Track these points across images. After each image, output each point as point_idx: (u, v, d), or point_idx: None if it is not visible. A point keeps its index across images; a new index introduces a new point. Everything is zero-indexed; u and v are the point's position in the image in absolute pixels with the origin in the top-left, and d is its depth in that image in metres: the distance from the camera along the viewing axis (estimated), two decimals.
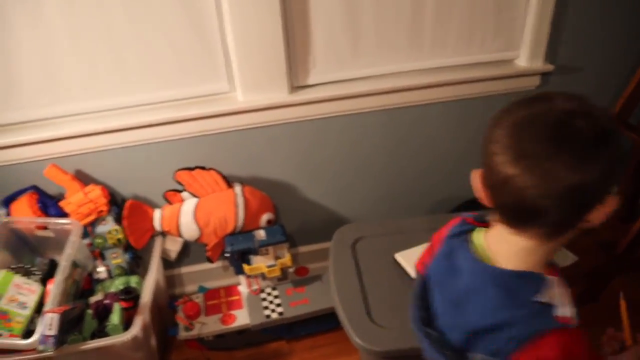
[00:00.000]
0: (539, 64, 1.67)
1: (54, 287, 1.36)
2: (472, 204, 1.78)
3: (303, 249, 1.86)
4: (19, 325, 1.35)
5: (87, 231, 1.57)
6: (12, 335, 1.31)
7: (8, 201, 1.54)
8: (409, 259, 1.39)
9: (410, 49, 1.61)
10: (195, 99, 1.56)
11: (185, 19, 1.43)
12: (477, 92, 1.68)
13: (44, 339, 1.24)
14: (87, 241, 1.59)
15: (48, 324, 1.24)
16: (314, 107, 1.60)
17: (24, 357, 1.28)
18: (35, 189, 1.56)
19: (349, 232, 1.52)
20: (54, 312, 1.26)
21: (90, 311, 1.41)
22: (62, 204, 1.53)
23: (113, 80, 1.48)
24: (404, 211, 1.90)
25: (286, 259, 1.62)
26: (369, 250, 1.46)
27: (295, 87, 1.59)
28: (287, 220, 1.77)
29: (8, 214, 1.53)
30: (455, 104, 1.71)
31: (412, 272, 1.35)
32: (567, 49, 1.69)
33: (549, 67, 1.68)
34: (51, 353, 1.26)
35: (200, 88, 1.55)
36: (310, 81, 1.61)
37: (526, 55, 1.66)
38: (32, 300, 1.41)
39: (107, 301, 1.48)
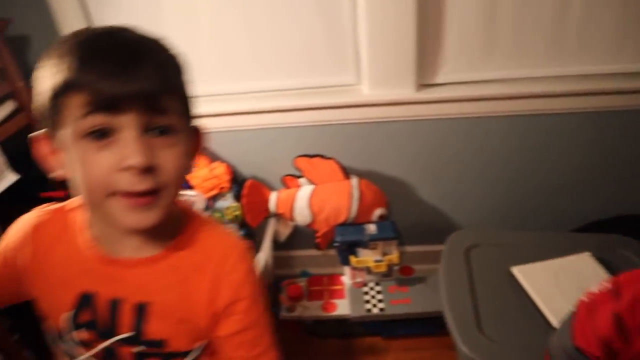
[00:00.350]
0: None
1: None
2: (599, 226, 1.66)
3: (410, 248, 1.83)
4: None
5: (208, 205, 1.68)
6: None
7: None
8: (527, 275, 1.31)
9: (550, 53, 1.51)
10: (321, 88, 1.60)
11: (319, 10, 1.47)
12: (623, 104, 1.53)
13: None
14: (206, 214, 1.70)
15: None
16: (440, 106, 1.56)
17: None
18: None
19: (464, 237, 1.47)
20: None
21: None
22: (188, 177, 1.65)
23: (248, 66, 1.57)
24: (520, 223, 1.79)
25: (394, 255, 1.61)
26: (483, 259, 1.40)
27: (421, 85, 1.57)
28: (398, 217, 1.74)
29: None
30: (594, 116, 1.57)
31: (529, 289, 1.28)
32: None
33: None
34: None
35: (327, 79, 1.59)
36: (439, 80, 1.58)
37: None
38: None
39: None
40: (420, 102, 1.55)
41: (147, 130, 0.56)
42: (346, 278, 1.74)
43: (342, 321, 1.66)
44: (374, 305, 1.64)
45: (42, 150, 0.61)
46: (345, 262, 1.67)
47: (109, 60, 0.53)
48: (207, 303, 0.66)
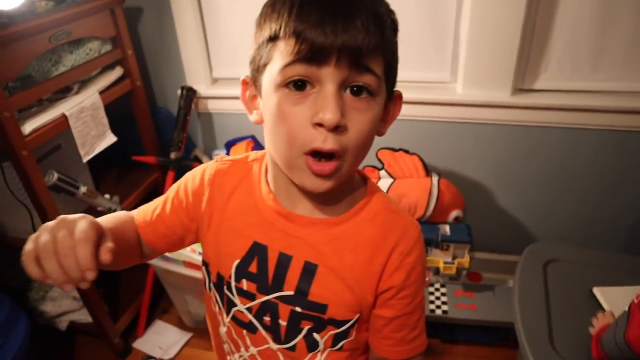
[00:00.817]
0: None
1: None
2: None
3: (481, 255, 1.79)
4: None
5: None
6: None
7: (230, 144, 1.78)
8: (609, 297, 1.25)
9: None
10: (414, 83, 1.60)
11: (424, 5, 1.46)
12: None
13: None
14: None
15: None
16: (535, 113, 1.51)
17: None
18: (253, 138, 1.77)
19: (543, 250, 1.42)
20: None
21: None
22: None
23: None
24: (606, 245, 1.70)
25: (465, 259, 1.59)
26: (562, 275, 1.35)
27: (518, 89, 1.53)
28: (474, 222, 1.71)
29: (227, 154, 1.77)
30: None
31: (609, 310, 1.22)
32: None
33: None
34: None
35: (422, 74, 1.59)
36: (537, 86, 1.52)
37: None
38: None
39: None
40: (515, 106, 1.51)
41: (345, 86, 0.54)
42: None
43: None
44: (438, 307, 1.62)
45: (245, 93, 0.64)
46: None
47: (320, 11, 0.51)
48: (379, 278, 0.64)
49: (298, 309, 0.65)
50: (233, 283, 0.67)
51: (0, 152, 1.20)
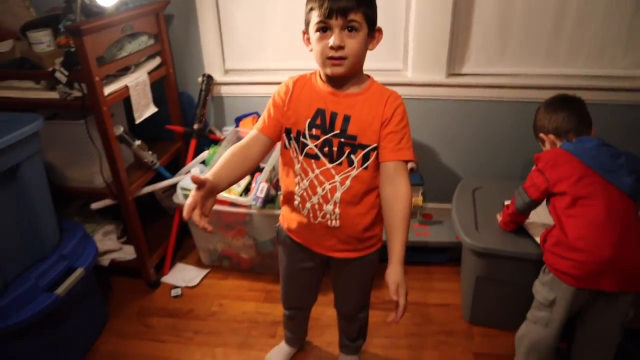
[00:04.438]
0: None
1: (263, 173, 2.03)
2: None
3: (432, 205, 2.36)
4: (236, 194, 2.04)
5: None
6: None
7: (239, 119, 2.29)
8: None
9: (548, 57, 2.07)
10: (377, 71, 2.12)
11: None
12: (600, 99, 2.05)
13: (256, 198, 1.91)
14: None
15: (260, 189, 1.91)
16: (463, 90, 2.12)
17: (239, 209, 1.96)
18: (257, 114, 2.28)
19: (472, 182, 2.02)
20: (265, 182, 1.93)
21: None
22: None
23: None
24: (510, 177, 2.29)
25: (419, 198, 2.13)
26: (484, 196, 1.94)
27: (451, 74, 2.13)
28: (425, 176, 2.28)
29: (237, 127, 2.28)
30: None
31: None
32: None
33: None
34: (255, 210, 1.92)
35: (382, 64, 2.17)
36: (464, 71, 2.14)
37: None
38: (243, 182, 2.10)
39: None
40: (449, 85, 2.11)
41: (343, 28, 1.09)
42: None
43: None
44: None
45: (304, 37, 1.18)
46: None
47: None
48: (381, 115, 1.17)
49: (342, 140, 1.18)
50: (307, 132, 1.20)
51: (88, 107, 1.67)
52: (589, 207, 1.36)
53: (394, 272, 1.15)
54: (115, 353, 1.82)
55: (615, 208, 1.35)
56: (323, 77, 1.21)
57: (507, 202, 1.72)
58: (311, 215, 1.26)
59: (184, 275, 2.20)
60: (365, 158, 1.19)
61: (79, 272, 1.64)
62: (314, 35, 1.12)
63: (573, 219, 1.38)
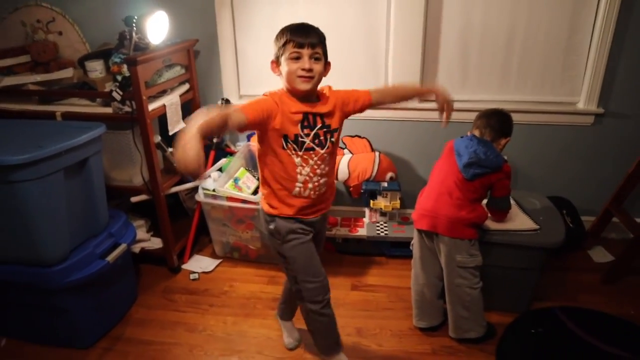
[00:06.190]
0: (593, 107, 2.48)
1: None
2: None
3: (409, 210, 2.80)
4: (247, 193, 2.50)
5: None
6: None
7: (250, 136, 2.78)
8: None
9: (501, 86, 2.56)
10: None
11: (366, 36, 2.57)
12: (544, 121, 2.53)
13: None
14: None
15: None
16: (431, 113, 2.56)
17: (249, 205, 2.41)
18: None
19: None
20: None
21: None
22: None
23: None
24: None
25: (397, 202, 2.59)
26: None
27: (422, 100, 2.62)
28: (404, 186, 2.73)
29: (249, 141, 2.76)
30: (525, 127, 2.56)
31: None
32: (617, 99, 2.47)
33: (601, 111, 2.48)
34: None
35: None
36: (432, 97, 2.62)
37: (583, 101, 2.48)
38: (252, 185, 2.57)
39: None
40: (421, 109, 2.59)
41: (311, 57, 1.48)
42: (366, 218, 2.71)
43: (360, 240, 2.62)
44: (384, 232, 2.59)
45: (273, 66, 1.57)
46: (367, 204, 2.65)
47: (300, 31, 1.48)
48: (334, 104, 1.59)
49: (325, 130, 1.62)
50: (302, 132, 1.61)
51: (135, 120, 2.16)
52: (432, 177, 2.08)
53: (437, 88, 1.89)
54: (145, 319, 2.25)
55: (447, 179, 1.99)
56: (293, 94, 1.56)
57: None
58: (312, 192, 1.66)
59: (200, 264, 2.64)
60: (334, 137, 1.64)
61: (122, 246, 2.08)
62: (286, 62, 1.50)
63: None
